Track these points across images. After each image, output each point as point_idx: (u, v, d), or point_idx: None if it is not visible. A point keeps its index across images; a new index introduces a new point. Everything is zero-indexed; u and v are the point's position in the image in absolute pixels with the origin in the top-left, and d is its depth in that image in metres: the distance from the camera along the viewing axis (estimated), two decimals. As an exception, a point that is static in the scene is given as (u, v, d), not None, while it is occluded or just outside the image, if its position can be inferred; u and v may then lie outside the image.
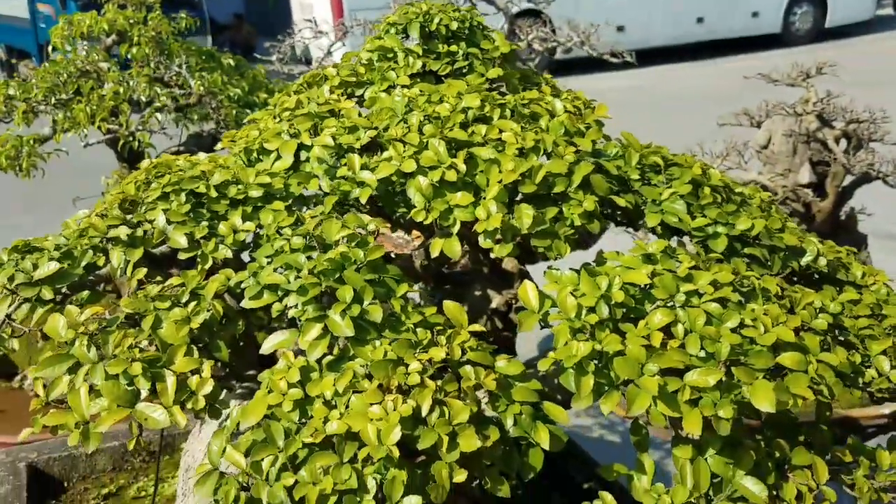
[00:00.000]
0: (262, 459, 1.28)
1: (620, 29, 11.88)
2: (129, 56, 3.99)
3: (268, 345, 1.45)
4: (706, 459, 1.39)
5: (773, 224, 1.64)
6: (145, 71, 3.92)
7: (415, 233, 1.95)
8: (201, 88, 3.89)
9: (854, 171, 3.96)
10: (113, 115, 3.74)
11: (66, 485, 2.60)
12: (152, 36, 4.00)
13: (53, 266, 1.53)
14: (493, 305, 2.45)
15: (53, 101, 3.81)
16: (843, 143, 4.10)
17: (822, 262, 1.65)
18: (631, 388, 1.34)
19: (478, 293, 2.49)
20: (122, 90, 3.75)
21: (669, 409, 1.32)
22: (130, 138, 3.62)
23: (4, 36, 13.98)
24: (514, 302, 2.47)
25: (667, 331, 1.40)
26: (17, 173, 3.71)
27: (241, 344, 1.61)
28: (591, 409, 3.48)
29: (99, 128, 3.70)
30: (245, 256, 1.68)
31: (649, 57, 11.44)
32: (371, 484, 1.22)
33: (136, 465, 2.68)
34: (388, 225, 1.88)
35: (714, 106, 4.42)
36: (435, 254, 1.58)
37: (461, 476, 1.27)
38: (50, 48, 4.11)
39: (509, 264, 2.45)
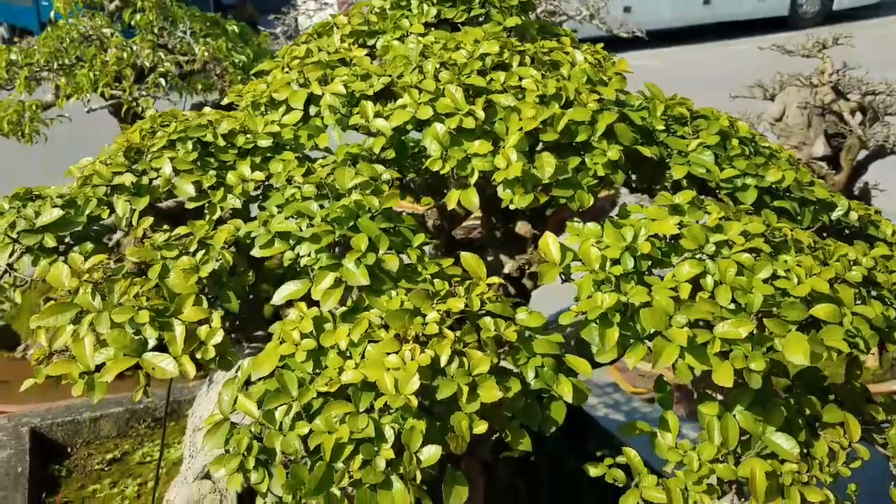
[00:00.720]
0: (275, 409, 1.23)
1: (627, 10, 11.75)
2: (132, 23, 3.92)
3: (279, 295, 1.39)
4: (734, 416, 1.34)
5: (803, 177, 1.57)
6: (149, 37, 3.85)
7: (424, 200, 1.89)
8: (206, 54, 3.82)
9: (869, 145, 3.89)
10: (116, 80, 3.68)
11: (69, 450, 2.56)
12: (156, 2, 3.92)
13: (56, 213, 1.47)
14: (506, 271, 2.39)
15: (56, 65, 3.74)
16: (859, 115, 4.02)
17: (854, 216, 1.59)
18: (658, 340, 1.28)
19: (490, 258, 2.43)
20: (125, 55, 3.68)
21: (698, 361, 1.27)
22: (134, 104, 3.55)
23: (7, 15, 13.86)
24: (526, 268, 2.41)
25: (695, 283, 1.35)
26: (19, 139, 3.65)
27: (251, 298, 1.56)
28: (596, 388, 3.43)
29: (102, 94, 3.64)
30: (254, 210, 1.62)
31: (656, 40, 11.31)
32: (389, 433, 1.17)
33: (140, 430, 2.64)
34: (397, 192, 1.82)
35: (726, 87, 4.34)
36: (452, 205, 1.53)
37: (481, 427, 1.22)
38: (53, 14, 4.03)
39: (522, 229, 2.39)
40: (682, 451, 1.35)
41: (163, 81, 3.68)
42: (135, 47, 3.76)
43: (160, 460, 1.91)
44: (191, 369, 1.32)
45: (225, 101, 1.92)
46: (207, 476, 1.76)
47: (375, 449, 1.17)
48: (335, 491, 1.16)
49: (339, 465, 1.16)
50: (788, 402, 1.37)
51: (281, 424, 1.22)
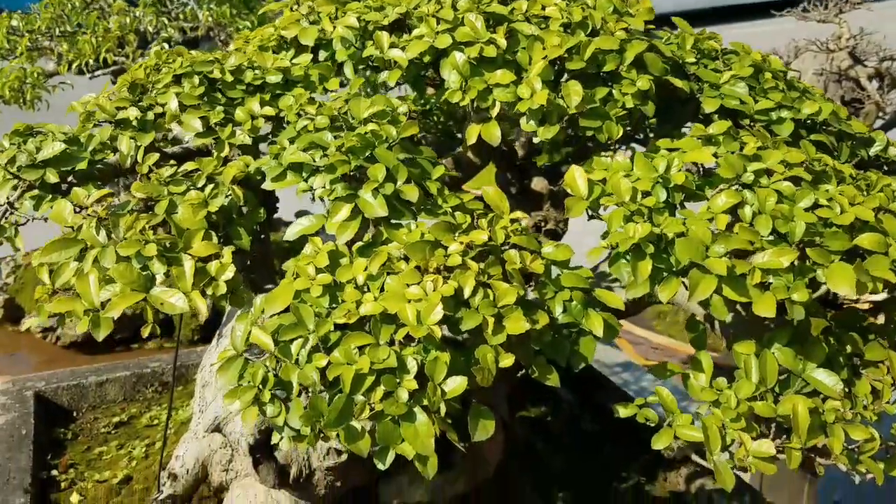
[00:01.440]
0: (291, 342, 1.17)
1: None
2: (136, -12, 3.84)
3: (292, 230, 1.33)
4: (773, 353, 1.27)
5: (840, 111, 1.50)
6: (152, 3, 3.77)
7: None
8: (209, 20, 3.75)
9: (887, 111, 3.80)
10: (119, 46, 3.60)
11: (75, 415, 2.50)
12: (159, -33, 3.85)
13: (59, 147, 1.41)
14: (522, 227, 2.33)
15: (57, 32, 3.67)
16: (876, 82, 3.94)
17: (893, 151, 1.52)
18: (693, 272, 1.21)
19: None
20: (128, 21, 3.61)
21: (737, 293, 1.20)
22: (137, 69, 3.47)
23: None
24: (542, 224, 2.34)
25: (732, 214, 1.28)
26: (21, 105, 3.58)
27: (262, 237, 1.49)
28: (605, 368, 3.36)
29: (104, 60, 3.56)
30: (263, 149, 1.55)
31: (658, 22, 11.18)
32: (411, 364, 1.11)
33: (148, 395, 2.58)
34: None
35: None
36: (472, 140, 1.45)
37: (508, 360, 1.15)
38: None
39: (538, 185, 2.32)
40: (717, 391, 1.28)
41: (166, 47, 3.60)
42: (138, 13, 3.68)
43: (169, 416, 1.85)
44: (202, 305, 1.26)
45: (231, 48, 1.85)
46: (218, 429, 1.70)
47: (397, 380, 1.10)
48: (356, 424, 1.10)
49: (359, 397, 1.10)
50: (828, 340, 1.30)
51: (297, 358, 1.16)
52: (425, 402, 1.10)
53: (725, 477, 1.18)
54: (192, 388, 2.48)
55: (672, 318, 4.66)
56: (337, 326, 1.18)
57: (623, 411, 1.33)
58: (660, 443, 1.25)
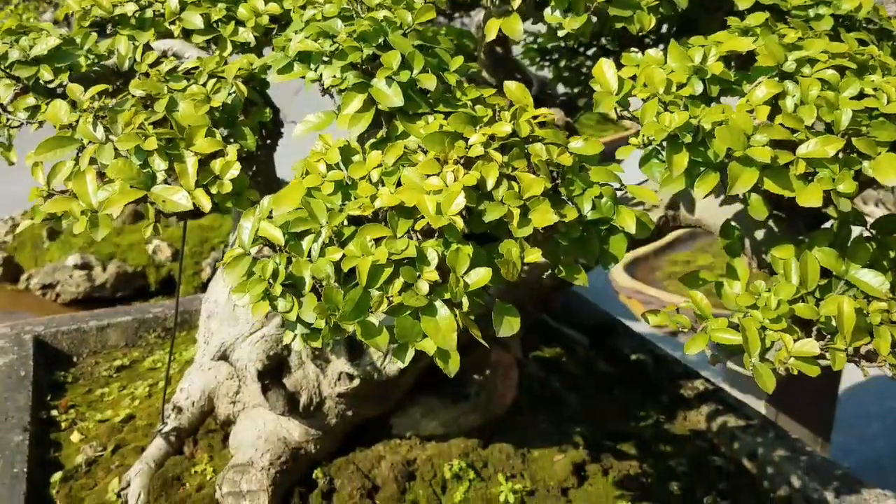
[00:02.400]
0: (302, 238, 1.09)
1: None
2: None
3: (300, 128, 1.24)
4: (814, 255, 1.20)
5: (881, 9, 1.41)
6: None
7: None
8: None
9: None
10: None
11: (75, 359, 2.43)
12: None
13: (53, 42, 1.32)
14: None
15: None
16: None
17: (938, 53, 1.43)
18: (733, 164, 1.13)
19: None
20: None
21: (779, 185, 1.12)
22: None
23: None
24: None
25: (773, 106, 1.20)
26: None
27: (269, 142, 1.41)
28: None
29: None
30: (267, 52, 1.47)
31: None
32: (432, 255, 1.03)
33: (150, 340, 2.51)
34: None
35: None
36: (491, 36, 1.37)
37: (534, 255, 1.07)
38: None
39: (552, 117, 2.24)
40: (754, 294, 1.20)
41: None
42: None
43: (172, 343, 1.78)
44: (205, 202, 1.18)
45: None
46: (224, 357, 1.63)
47: (417, 273, 1.03)
48: (373, 320, 1.02)
49: (376, 292, 1.02)
50: (871, 243, 1.23)
51: (309, 253, 1.08)
52: (447, 296, 1.02)
53: (766, 380, 1.10)
54: (195, 333, 2.41)
55: (684, 279, 4.57)
56: (351, 221, 1.10)
57: (653, 319, 1.25)
58: (694, 347, 1.17)
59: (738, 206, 1.53)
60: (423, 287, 1.02)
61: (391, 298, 1.01)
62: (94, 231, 1.19)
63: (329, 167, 1.18)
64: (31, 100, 1.39)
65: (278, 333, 1.60)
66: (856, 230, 1.27)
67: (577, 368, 2.17)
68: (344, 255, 1.04)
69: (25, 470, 1.77)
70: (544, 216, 1.07)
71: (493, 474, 1.70)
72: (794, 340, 1.13)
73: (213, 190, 1.19)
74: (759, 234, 1.48)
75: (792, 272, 1.20)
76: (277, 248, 1.11)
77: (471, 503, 1.64)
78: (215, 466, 1.68)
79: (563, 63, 2.49)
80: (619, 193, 1.21)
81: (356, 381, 1.56)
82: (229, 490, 1.55)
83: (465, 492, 1.67)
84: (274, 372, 1.60)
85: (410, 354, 1.03)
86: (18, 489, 1.71)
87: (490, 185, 1.09)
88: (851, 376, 4.23)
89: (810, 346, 1.10)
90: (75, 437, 1.95)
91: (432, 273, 1.02)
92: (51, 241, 4.23)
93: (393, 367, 1.52)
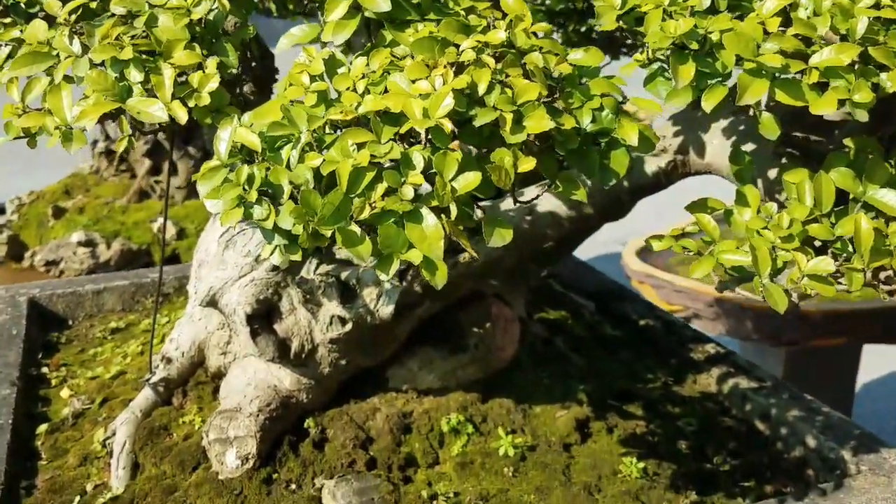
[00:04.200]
0: (281, 147, 1.03)
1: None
2: None
3: (284, 42, 1.19)
4: (829, 175, 1.12)
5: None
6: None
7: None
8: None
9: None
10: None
11: (70, 322, 2.38)
12: None
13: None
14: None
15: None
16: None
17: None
18: (742, 75, 1.06)
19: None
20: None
21: (791, 96, 1.05)
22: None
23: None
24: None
25: (784, 19, 1.13)
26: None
27: (254, 65, 1.35)
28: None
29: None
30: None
31: None
32: (417, 160, 0.96)
33: (147, 304, 2.45)
34: None
35: None
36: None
37: (528, 164, 1.01)
38: None
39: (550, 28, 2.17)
40: (765, 217, 1.13)
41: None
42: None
43: (159, 289, 1.72)
44: (182, 113, 1.12)
45: None
46: (213, 302, 1.57)
47: (402, 177, 0.96)
48: (354, 228, 0.96)
49: (358, 198, 0.96)
50: (890, 162, 1.15)
51: (288, 162, 1.02)
52: (434, 203, 0.96)
53: (777, 299, 1.03)
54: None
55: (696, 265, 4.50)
56: (333, 128, 1.04)
57: (657, 244, 1.18)
58: (700, 270, 1.10)
59: (750, 147, 1.46)
60: (408, 192, 0.95)
61: (374, 205, 0.95)
62: (66, 145, 1.13)
63: (312, 79, 1.12)
64: (16, 32, 1.34)
65: (268, 277, 1.54)
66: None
67: (583, 331, 2.10)
68: (324, 161, 0.98)
69: (10, 422, 1.72)
70: (540, 122, 1.01)
71: (492, 429, 1.63)
72: (808, 261, 1.06)
73: (191, 103, 1.14)
74: (772, 174, 1.41)
75: (805, 193, 1.12)
76: (256, 158, 1.05)
77: (469, 456, 1.57)
78: (204, 417, 1.62)
79: (571, 27, 2.42)
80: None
81: (349, 326, 1.50)
82: (216, 437, 1.49)
83: (462, 445, 1.60)
84: (264, 317, 1.54)
85: (395, 266, 0.97)
86: (2, 440, 1.66)
87: (482, 90, 1.02)
88: (868, 373, 4.12)
89: (825, 263, 1.03)
90: (65, 392, 1.90)
91: (417, 177, 0.95)
92: (56, 220, 4.19)
93: (386, 309, 1.46)
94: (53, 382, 1.99)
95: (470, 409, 1.65)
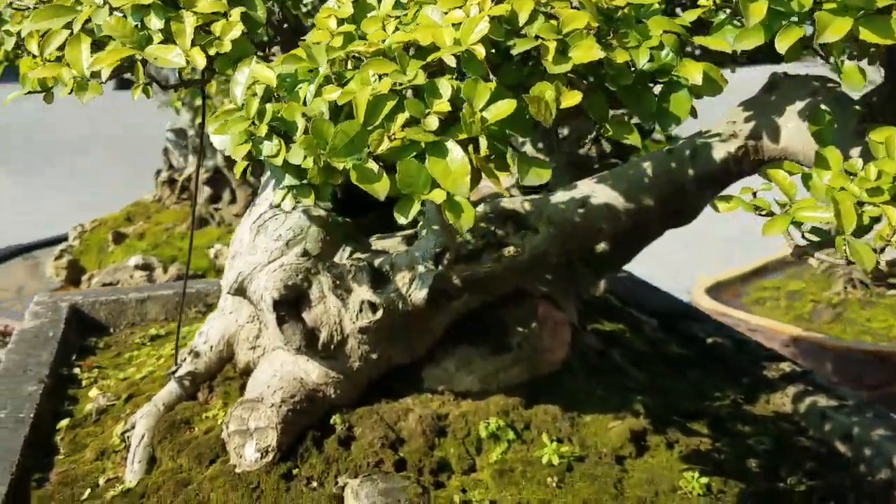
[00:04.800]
0: (299, 84, 0.94)
1: None
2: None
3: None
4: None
5: None
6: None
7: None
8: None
9: None
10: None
11: (111, 330, 2.33)
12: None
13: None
14: (599, 122, 2.06)
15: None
16: None
17: None
18: (821, 13, 0.94)
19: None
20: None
21: (878, 34, 0.91)
22: None
23: None
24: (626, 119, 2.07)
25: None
26: None
27: (286, 26, 1.28)
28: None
29: None
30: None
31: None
32: (445, 88, 0.86)
33: (190, 315, 2.39)
34: None
35: None
36: None
37: (572, 98, 0.89)
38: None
39: None
40: (849, 175, 0.98)
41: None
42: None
43: (185, 287, 1.65)
44: (200, 59, 1.05)
45: None
46: (241, 290, 1.48)
47: (426, 108, 0.86)
48: (371, 165, 0.85)
49: (376, 132, 0.85)
50: None
51: (305, 98, 0.93)
52: (461, 136, 0.85)
53: (863, 255, 0.88)
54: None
55: (772, 304, 4.28)
56: (356, 65, 0.94)
57: (723, 206, 1.04)
58: (773, 228, 0.96)
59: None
60: (433, 122, 0.84)
61: (393, 136, 0.84)
62: (80, 94, 1.07)
63: (340, 22, 1.03)
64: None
65: (298, 263, 1.45)
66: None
67: (644, 346, 1.94)
68: (342, 93, 0.88)
69: (32, 416, 1.65)
70: (588, 52, 0.90)
71: (535, 437, 1.48)
72: (900, 217, 0.91)
73: (212, 51, 1.06)
74: (855, 153, 1.26)
75: (895, 148, 0.97)
76: (273, 100, 0.96)
77: (508, 464, 1.42)
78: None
79: None
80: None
81: (379, 313, 1.38)
82: (236, 428, 1.38)
83: (502, 452, 1.45)
84: (292, 305, 1.44)
85: (415, 208, 0.86)
86: (20, 432, 1.59)
87: (522, 19, 0.92)
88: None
89: (920, 215, 0.88)
90: (93, 392, 1.83)
91: (444, 104, 0.85)
92: (116, 245, 4.23)
93: (419, 294, 1.34)
94: (84, 383, 1.92)
95: (512, 414, 1.51)
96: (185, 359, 1.61)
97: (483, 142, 0.84)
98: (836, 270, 4.21)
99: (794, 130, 1.40)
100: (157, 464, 1.46)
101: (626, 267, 2.23)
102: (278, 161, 0.90)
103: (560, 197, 1.60)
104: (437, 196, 0.85)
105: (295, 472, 1.36)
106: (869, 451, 1.51)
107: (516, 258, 1.53)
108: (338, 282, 1.41)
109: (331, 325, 1.43)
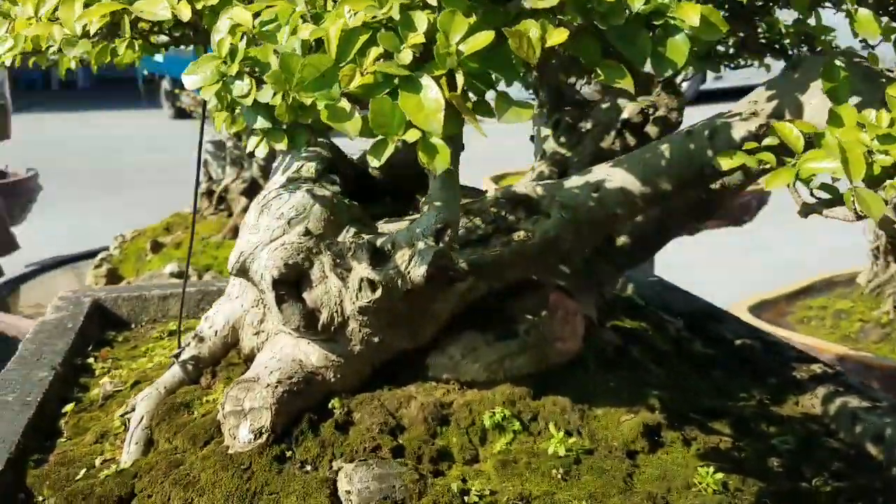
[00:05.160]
0: (277, 28, 0.91)
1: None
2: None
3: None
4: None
5: None
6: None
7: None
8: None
9: None
10: None
11: (132, 326, 2.33)
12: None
13: None
14: (625, 116, 2.01)
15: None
16: None
17: None
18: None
19: (605, 105, 2.05)
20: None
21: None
22: None
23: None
24: (651, 112, 2.02)
25: None
26: None
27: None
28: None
29: None
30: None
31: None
32: (420, 20, 0.82)
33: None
34: None
35: None
36: None
37: (558, 36, 0.84)
38: None
39: (646, 65, 2.00)
40: (860, 126, 0.92)
41: None
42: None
43: (185, 281, 1.62)
44: (186, 12, 1.03)
45: None
46: (243, 270, 1.45)
47: (400, 41, 0.82)
48: (343, 104, 0.82)
49: (347, 67, 0.82)
50: None
51: (282, 40, 0.90)
52: (437, 72, 0.81)
53: (871, 203, 0.81)
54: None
55: (818, 323, 4.12)
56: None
57: (726, 162, 0.98)
58: (776, 180, 0.89)
59: (855, 100, 1.25)
60: (407, 56, 0.81)
61: (365, 72, 0.81)
62: (67, 49, 1.06)
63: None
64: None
65: (300, 242, 1.42)
66: None
67: (666, 344, 1.85)
68: (314, 29, 0.85)
69: (39, 400, 1.64)
70: (574, -13, 0.85)
71: (543, 428, 1.42)
72: (915, 167, 0.84)
73: (199, 5, 1.04)
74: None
75: (913, 99, 0.90)
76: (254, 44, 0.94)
77: (513, 455, 1.36)
78: (228, 397, 1.49)
79: None
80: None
81: (378, 292, 1.34)
82: (232, 409, 1.35)
83: (507, 443, 1.39)
84: (293, 285, 1.41)
85: (389, 150, 0.82)
86: (25, 415, 1.57)
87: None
88: None
89: (936, 161, 0.80)
90: (105, 380, 1.82)
91: (418, 37, 0.81)
92: (153, 254, 4.28)
93: (418, 270, 1.29)
94: (97, 372, 1.92)
95: (518, 404, 1.44)
96: (188, 343, 1.59)
97: (460, 78, 0.80)
98: (886, 289, 4.04)
99: (817, 107, 1.33)
100: (155, 446, 1.43)
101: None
102: (249, 101, 0.87)
103: (574, 181, 1.55)
104: (412, 136, 0.81)
105: (288, 454, 1.31)
106: (903, 452, 1.41)
107: (526, 243, 1.48)
108: (338, 260, 1.37)
109: (331, 307, 1.39)
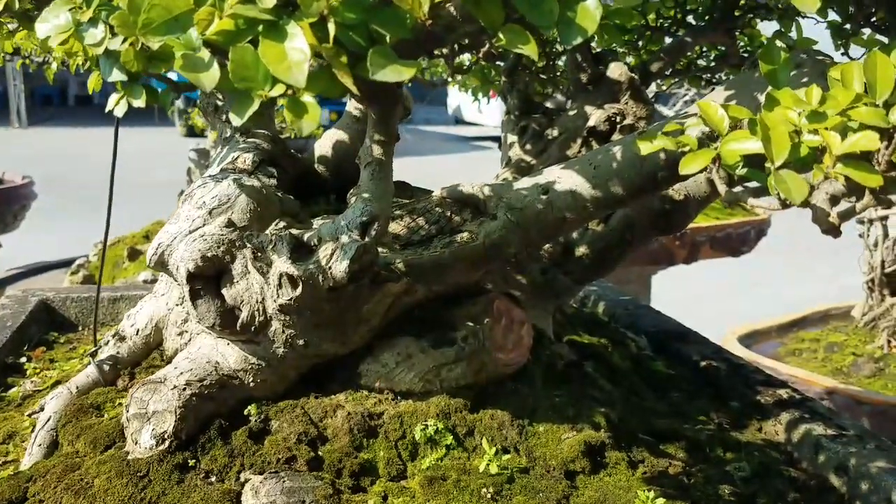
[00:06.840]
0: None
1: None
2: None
3: None
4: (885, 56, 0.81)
5: None
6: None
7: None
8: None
9: None
10: None
11: (80, 328, 2.24)
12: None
13: None
14: (591, 124, 1.92)
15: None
16: None
17: None
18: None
19: (572, 112, 1.97)
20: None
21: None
22: None
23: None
24: (618, 120, 1.93)
25: None
26: None
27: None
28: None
29: None
30: None
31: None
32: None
33: (160, 317, 2.29)
34: None
35: None
36: None
37: (451, -7, 0.75)
38: None
39: (617, 71, 1.93)
40: (793, 105, 0.82)
41: None
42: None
43: (98, 293, 1.53)
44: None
45: None
46: (162, 262, 1.36)
47: (267, -11, 0.73)
48: (203, 55, 0.73)
49: (204, 9, 0.73)
50: None
51: None
52: (305, 21, 0.72)
53: (791, 185, 0.71)
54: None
55: (809, 355, 4.02)
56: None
57: (645, 147, 0.88)
58: (692, 163, 0.79)
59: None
60: (269, 1, 0.72)
61: (222, 15, 0.72)
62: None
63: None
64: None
65: (221, 234, 1.33)
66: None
67: (625, 362, 1.75)
68: (186, -20, 0.76)
69: (-47, 398, 1.55)
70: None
71: (478, 444, 1.31)
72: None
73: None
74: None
75: (853, 80, 0.81)
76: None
77: (442, 471, 1.25)
78: (143, 400, 1.39)
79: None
80: None
81: (300, 289, 1.24)
82: (136, 411, 1.25)
83: (438, 459, 1.28)
84: (212, 280, 1.32)
85: (253, 107, 0.73)
86: (-67, 412, 1.48)
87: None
88: None
89: (867, 140, 0.71)
90: (31, 378, 1.72)
91: (286, -12, 0.72)
92: (130, 262, 4.20)
93: (340, 266, 1.20)
94: (29, 373, 1.82)
95: (454, 417, 1.34)
96: (107, 342, 1.49)
97: (332, 27, 0.71)
98: (880, 323, 3.92)
99: (778, 106, 1.24)
100: (60, 448, 1.33)
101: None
102: (101, 49, 0.78)
103: (523, 183, 1.45)
104: (278, 91, 0.71)
105: (192, 462, 1.21)
106: (866, 485, 1.30)
107: (468, 245, 1.38)
108: (258, 253, 1.27)
109: (252, 305, 1.30)
